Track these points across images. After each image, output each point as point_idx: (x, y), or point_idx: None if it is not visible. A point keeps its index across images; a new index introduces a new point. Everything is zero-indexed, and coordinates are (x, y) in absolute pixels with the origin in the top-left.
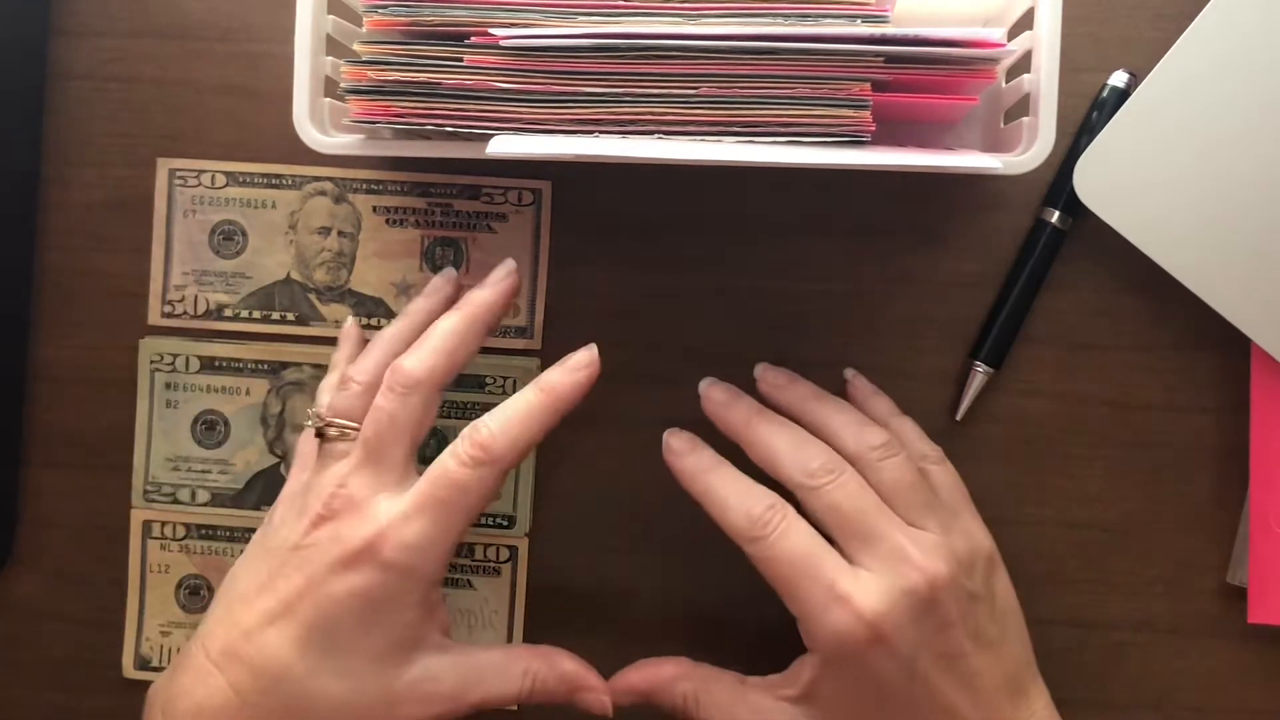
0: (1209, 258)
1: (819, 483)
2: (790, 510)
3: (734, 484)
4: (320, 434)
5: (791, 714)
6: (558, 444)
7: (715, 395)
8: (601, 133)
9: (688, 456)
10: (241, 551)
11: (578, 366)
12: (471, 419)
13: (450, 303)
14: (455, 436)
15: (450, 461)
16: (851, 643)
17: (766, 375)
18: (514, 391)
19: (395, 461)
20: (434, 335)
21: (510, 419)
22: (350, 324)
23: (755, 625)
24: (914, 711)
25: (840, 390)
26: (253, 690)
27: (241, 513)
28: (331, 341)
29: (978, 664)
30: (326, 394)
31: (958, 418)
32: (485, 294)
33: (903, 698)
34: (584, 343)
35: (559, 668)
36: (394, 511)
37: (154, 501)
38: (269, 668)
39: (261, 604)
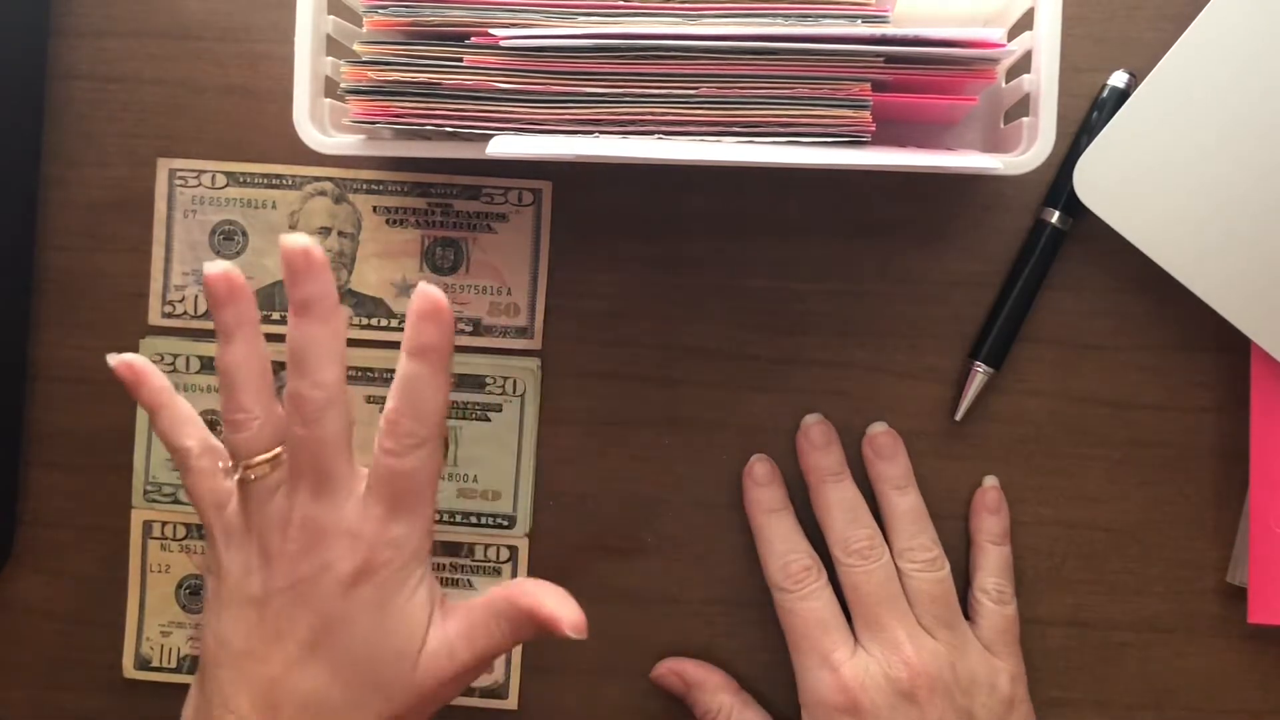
0: (1209, 258)
1: (852, 562)
2: (823, 578)
3: (786, 535)
4: (242, 479)
5: None
6: (558, 444)
7: (813, 436)
8: (601, 133)
9: (762, 489)
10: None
11: (426, 315)
12: (472, 419)
13: (231, 309)
14: (458, 436)
15: (390, 459)
16: (828, 706)
17: (875, 439)
18: (514, 392)
19: (338, 475)
20: (309, 350)
21: (415, 398)
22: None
23: (755, 625)
24: None
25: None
26: None
27: None
28: None
29: None
30: (189, 426)
31: (958, 418)
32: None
33: None
34: (584, 343)
35: (524, 607)
36: (369, 519)
37: (154, 501)
38: (310, 703)
39: (280, 652)
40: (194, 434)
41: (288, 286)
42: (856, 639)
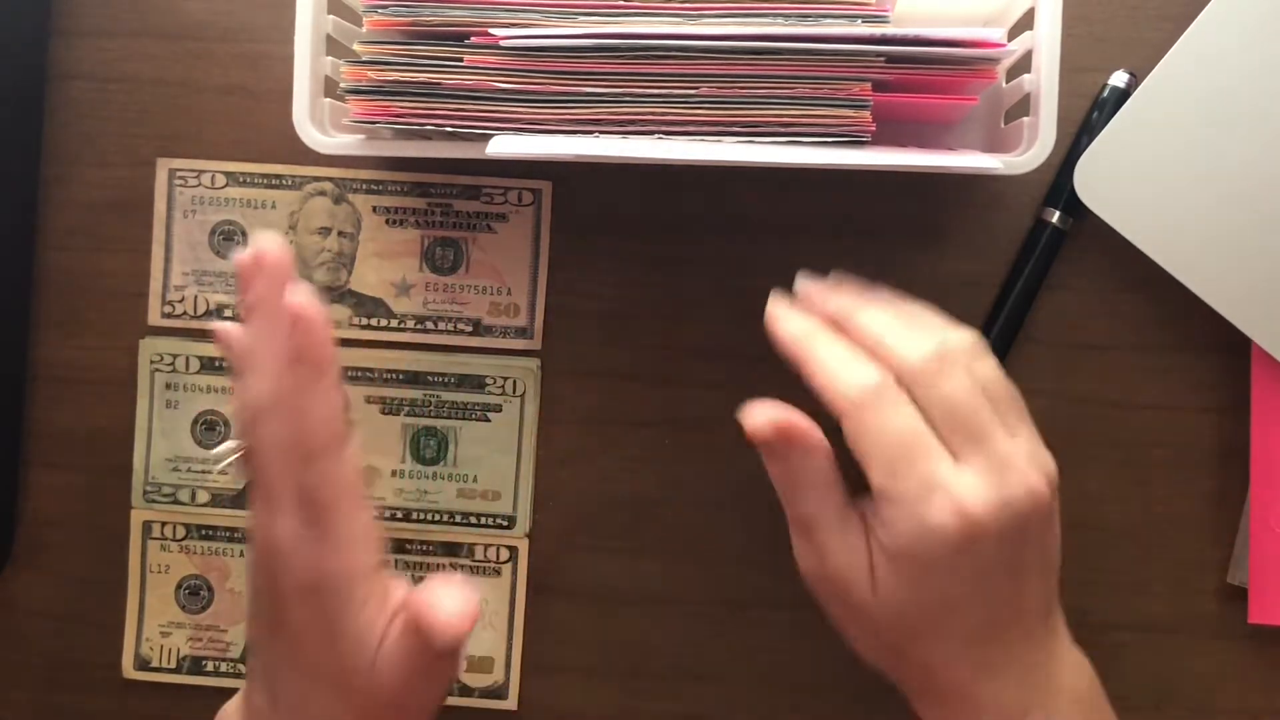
0: (1209, 258)
1: (935, 368)
2: (901, 387)
3: (844, 352)
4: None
5: (878, 568)
6: (558, 444)
7: (804, 288)
8: (601, 133)
9: (790, 321)
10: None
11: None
12: (472, 419)
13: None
14: (458, 436)
15: (257, 465)
16: (942, 540)
17: (817, 289)
18: (514, 392)
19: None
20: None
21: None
22: None
23: (755, 625)
24: (965, 622)
25: None
26: None
27: (242, 513)
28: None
29: (1033, 584)
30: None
31: None
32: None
33: (962, 605)
34: (584, 343)
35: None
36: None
37: (154, 502)
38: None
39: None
40: None
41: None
42: (956, 459)
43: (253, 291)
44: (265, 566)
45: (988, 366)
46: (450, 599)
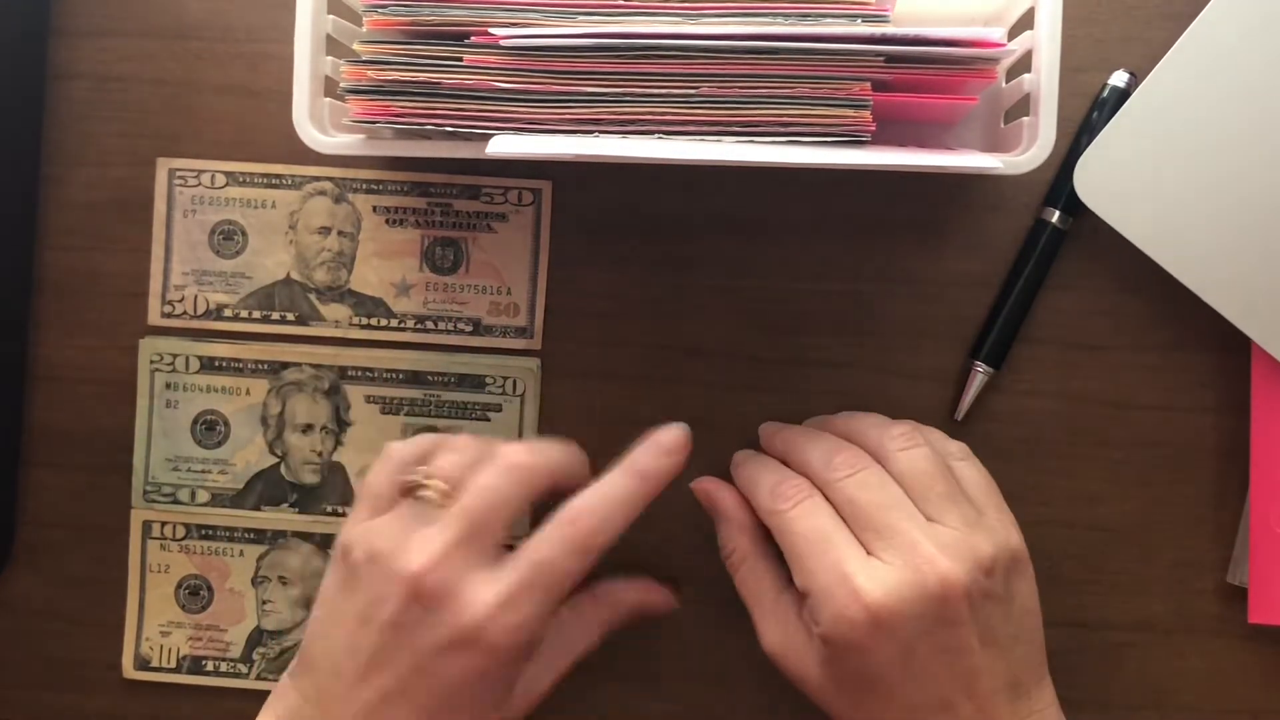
0: (1209, 258)
1: (838, 476)
2: (818, 494)
3: (770, 468)
4: (413, 490)
5: (802, 641)
6: None
7: (766, 431)
8: (601, 133)
9: (740, 465)
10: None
11: (670, 450)
12: (471, 419)
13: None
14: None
15: (549, 550)
16: (851, 627)
17: (772, 428)
18: (514, 392)
19: (494, 541)
20: (561, 450)
21: (610, 510)
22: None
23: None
24: (905, 701)
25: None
26: None
27: (241, 513)
28: (331, 341)
29: (981, 662)
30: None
31: (958, 418)
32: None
33: (896, 685)
34: (584, 343)
35: (623, 607)
36: (497, 596)
37: (154, 501)
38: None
39: (377, 682)
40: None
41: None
42: (869, 553)
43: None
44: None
45: (914, 456)
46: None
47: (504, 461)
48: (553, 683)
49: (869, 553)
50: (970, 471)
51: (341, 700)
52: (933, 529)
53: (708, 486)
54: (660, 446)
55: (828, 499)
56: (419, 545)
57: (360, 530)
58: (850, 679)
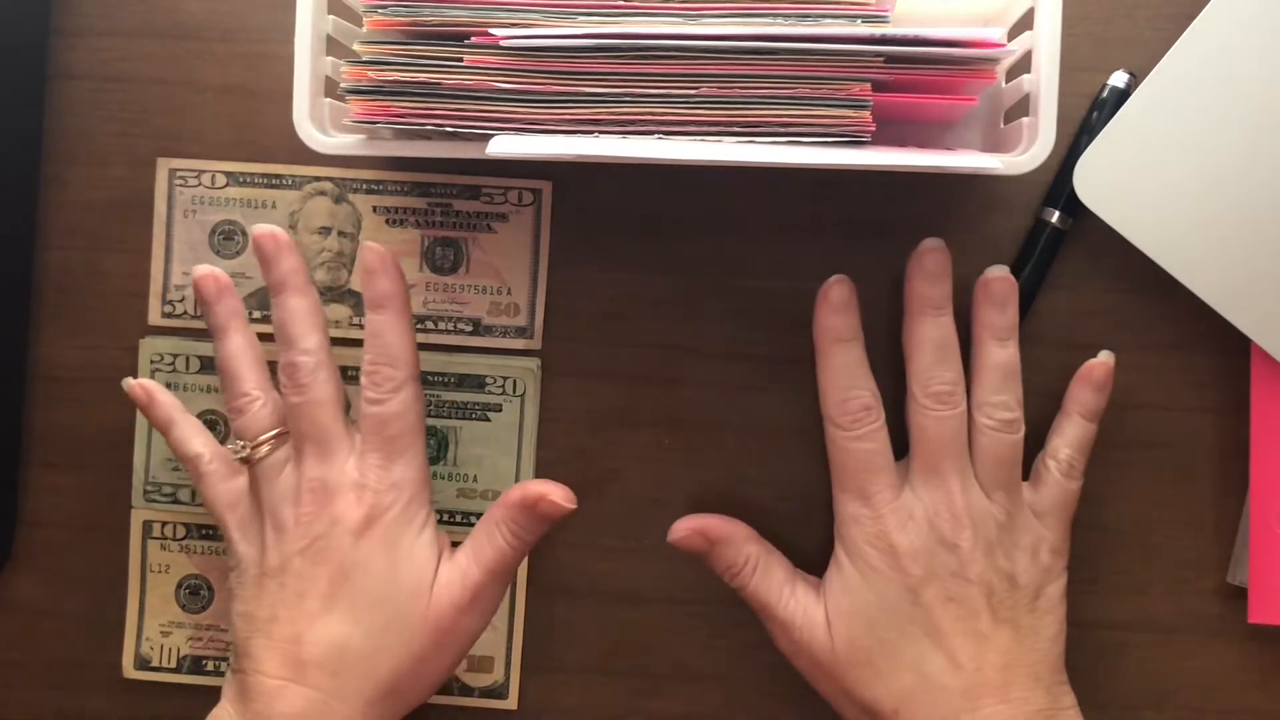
0: (1209, 258)
1: (928, 403)
2: (882, 419)
3: (852, 367)
4: (249, 459)
5: (821, 614)
6: (558, 444)
7: (926, 264)
8: (601, 133)
9: (836, 315)
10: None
11: (378, 268)
12: (472, 419)
13: (224, 299)
14: (458, 436)
15: (376, 407)
16: (863, 543)
17: (990, 284)
18: (514, 392)
19: (335, 434)
20: (291, 322)
21: (385, 345)
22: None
23: (755, 625)
24: (907, 635)
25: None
26: (329, 676)
27: None
28: (331, 341)
29: (989, 631)
30: (200, 437)
31: None
32: (279, 265)
33: (902, 617)
34: (584, 343)
35: (513, 500)
36: (368, 467)
37: (154, 501)
38: (334, 650)
39: (302, 609)
40: (204, 442)
41: (263, 269)
42: (909, 481)
43: (283, 265)
44: (309, 519)
45: (999, 441)
46: (553, 486)
47: (299, 376)
48: (470, 592)
49: (911, 484)
50: (1058, 493)
51: (278, 638)
52: (972, 491)
53: (689, 525)
54: (368, 273)
55: (910, 408)
56: (283, 487)
57: (231, 553)
58: (858, 608)
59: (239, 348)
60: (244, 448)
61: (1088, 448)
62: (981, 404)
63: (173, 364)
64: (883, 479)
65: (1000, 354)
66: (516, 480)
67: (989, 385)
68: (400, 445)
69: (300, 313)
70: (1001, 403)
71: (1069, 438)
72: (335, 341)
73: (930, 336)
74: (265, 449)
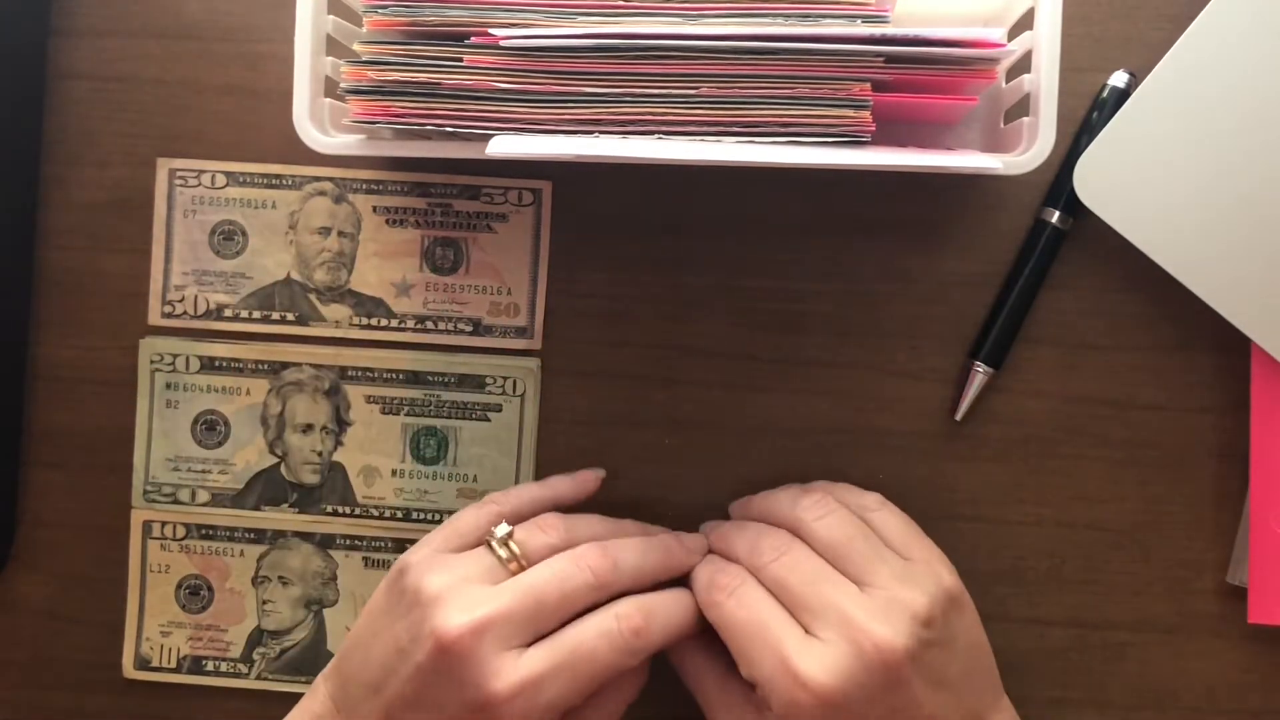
0: (1209, 258)
1: (765, 561)
2: (750, 580)
3: (705, 562)
4: (491, 546)
5: None
6: (558, 444)
7: (704, 529)
8: (601, 133)
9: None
10: (245, 552)
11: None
12: (472, 419)
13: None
14: (457, 437)
15: (595, 640)
16: (802, 712)
17: (721, 522)
18: (514, 392)
19: (541, 627)
20: (640, 557)
21: (670, 626)
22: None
23: None
24: None
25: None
26: None
27: (241, 513)
28: (331, 341)
29: (934, 709)
30: (499, 506)
31: (958, 418)
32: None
33: None
34: (584, 343)
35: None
36: (522, 679)
37: (154, 501)
38: None
39: (398, 715)
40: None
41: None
42: (807, 633)
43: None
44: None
45: (830, 523)
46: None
47: (602, 569)
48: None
49: (807, 632)
50: (888, 519)
51: (363, 717)
52: (863, 597)
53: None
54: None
55: (761, 584)
56: (465, 603)
57: (423, 556)
58: None
59: (603, 527)
60: (507, 543)
61: (855, 488)
62: (795, 521)
63: (172, 364)
64: (781, 628)
65: (768, 499)
66: (516, 480)
67: (787, 508)
68: (571, 684)
69: (650, 566)
70: (806, 502)
71: (839, 493)
72: (335, 341)
73: (734, 534)
74: (506, 555)
